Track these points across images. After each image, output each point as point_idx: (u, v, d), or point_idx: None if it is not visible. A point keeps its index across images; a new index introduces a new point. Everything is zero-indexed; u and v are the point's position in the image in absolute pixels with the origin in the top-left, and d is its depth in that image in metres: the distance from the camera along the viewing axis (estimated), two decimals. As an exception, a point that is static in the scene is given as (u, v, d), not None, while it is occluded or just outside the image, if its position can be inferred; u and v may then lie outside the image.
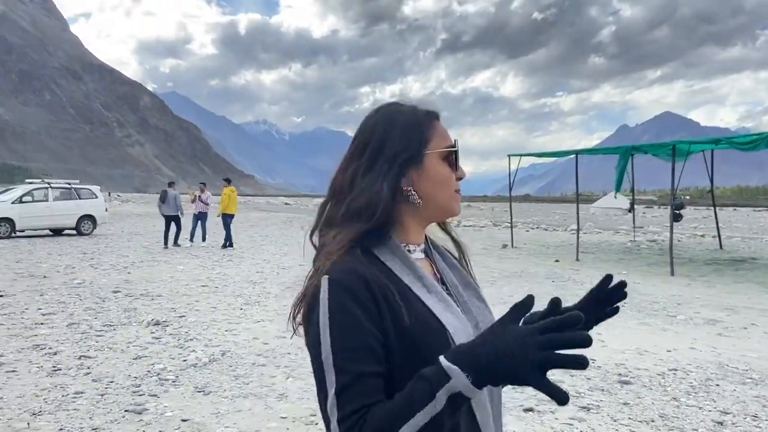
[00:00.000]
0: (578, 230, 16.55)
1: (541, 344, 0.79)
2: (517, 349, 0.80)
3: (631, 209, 17.39)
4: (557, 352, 0.79)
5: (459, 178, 1.11)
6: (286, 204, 70.46)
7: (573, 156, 16.39)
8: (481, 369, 0.81)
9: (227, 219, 16.15)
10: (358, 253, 1.00)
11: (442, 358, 0.83)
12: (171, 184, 17.31)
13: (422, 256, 1.11)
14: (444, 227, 1.22)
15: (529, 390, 4.68)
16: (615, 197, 16.42)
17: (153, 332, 6.53)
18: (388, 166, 1.04)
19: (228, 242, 16.00)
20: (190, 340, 6.25)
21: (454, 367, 0.81)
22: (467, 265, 1.21)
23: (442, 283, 1.09)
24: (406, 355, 0.91)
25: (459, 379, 0.81)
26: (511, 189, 17.58)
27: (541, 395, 4.23)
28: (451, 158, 1.11)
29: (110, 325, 6.79)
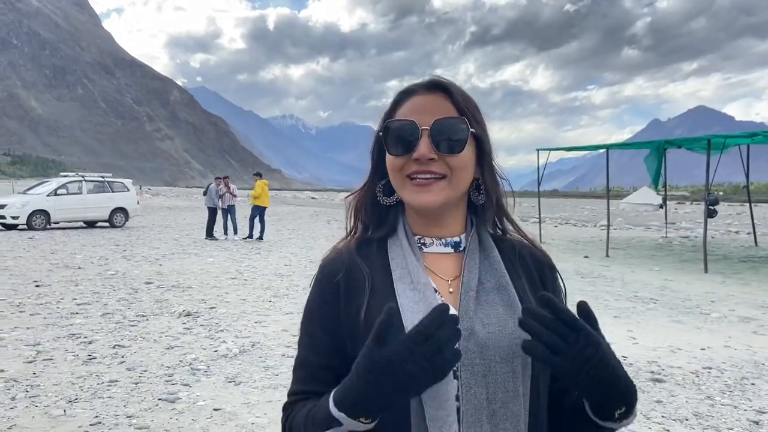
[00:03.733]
0: (608, 226, 16.30)
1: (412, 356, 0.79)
2: (381, 371, 0.79)
3: (663, 205, 17.05)
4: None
5: (416, 159, 0.95)
6: (313, 198, 70.86)
7: (603, 151, 16.13)
8: (352, 404, 0.83)
9: (260, 211, 16.42)
10: (355, 244, 1.05)
11: (330, 401, 0.85)
12: (216, 179, 17.71)
13: (446, 249, 1.02)
14: (500, 225, 1.07)
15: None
16: (657, 193, 16.08)
17: (184, 323, 6.64)
18: (371, 159, 1.07)
19: (261, 234, 16.31)
20: (221, 331, 6.34)
21: (339, 413, 0.84)
22: (535, 271, 1.05)
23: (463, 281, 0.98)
24: (357, 348, 0.88)
25: (343, 423, 0.84)
26: (539, 184, 17.39)
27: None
28: (390, 141, 0.98)
29: (143, 316, 6.92)
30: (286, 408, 1.00)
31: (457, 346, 0.84)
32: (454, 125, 0.96)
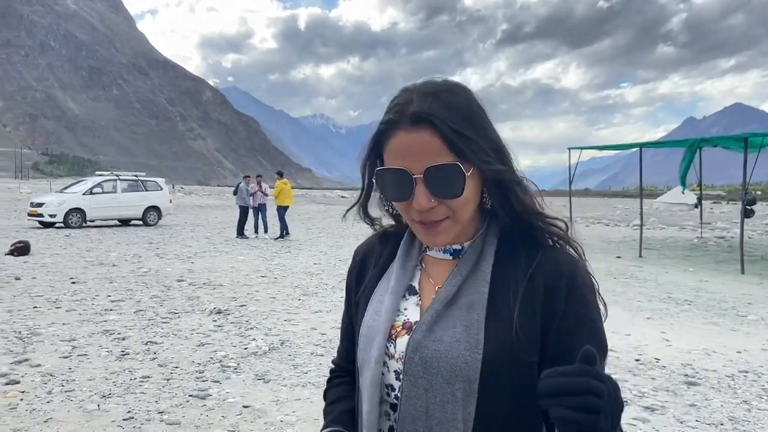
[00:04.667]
0: (641, 225, 15.99)
1: None
2: None
3: (698, 204, 16.65)
4: None
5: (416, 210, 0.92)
6: (342, 197, 71.13)
7: (635, 150, 15.83)
8: None
9: (281, 210, 16.61)
10: (385, 233, 1.13)
11: None
12: (245, 177, 17.94)
13: (444, 256, 1.01)
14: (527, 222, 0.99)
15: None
16: (683, 192, 15.74)
17: (215, 320, 6.74)
18: (363, 178, 1.07)
19: (284, 231, 16.45)
20: (251, 329, 6.41)
21: None
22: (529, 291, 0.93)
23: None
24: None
25: None
26: (571, 183, 17.16)
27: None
28: (387, 193, 0.96)
29: (175, 313, 7.04)
30: (329, 379, 1.18)
31: (402, 354, 0.92)
32: (447, 172, 0.89)
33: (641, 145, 15.67)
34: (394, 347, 0.95)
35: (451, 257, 1.00)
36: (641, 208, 15.91)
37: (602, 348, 0.94)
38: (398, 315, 0.98)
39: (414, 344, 0.91)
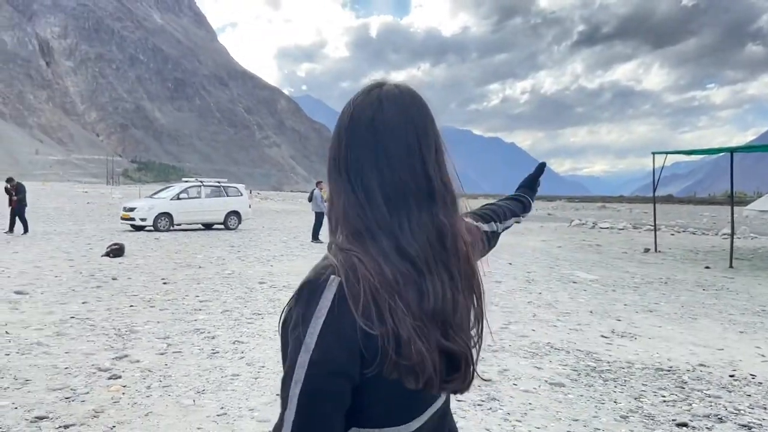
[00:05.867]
0: (732, 234, 15.15)
1: None
2: None
3: (796, 212, 15.60)
4: None
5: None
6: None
7: (720, 155, 15.02)
8: None
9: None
10: None
11: None
12: (318, 183, 18.36)
13: None
14: None
15: (682, 404, 4.41)
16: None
17: (297, 323, 6.91)
18: None
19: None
20: (331, 332, 6.53)
21: None
22: None
23: None
24: None
25: None
26: (654, 189, 16.50)
27: (696, 412, 3.91)
28: None
29: (258, 314, 7.29)
30: None
31: None
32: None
33: (732, 150, 14.87)
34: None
35: None
36: (732, 216, 15.08)
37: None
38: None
39: None
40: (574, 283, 10.58)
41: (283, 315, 0.94)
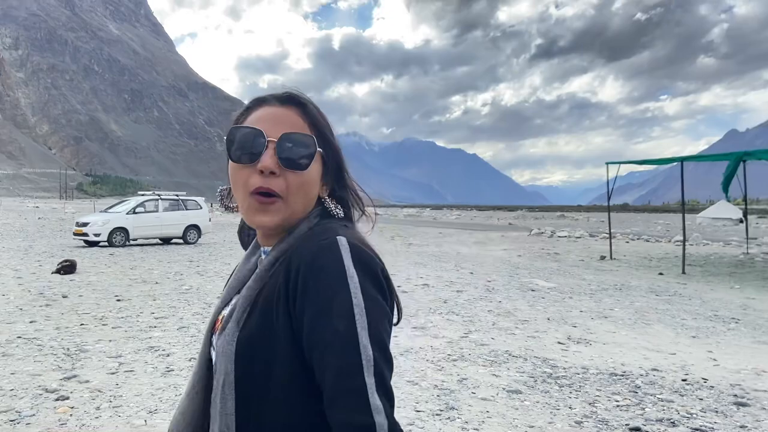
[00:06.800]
0: (684, 241, 15.63)
1: None
2: None
3: (743, 219, 16.21)
4: None
5: (260, 171, 0.92)
6: (376, 214, 71.24)
7: (676, 164, 15.52)
8: None
9: None
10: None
11: None
12: None
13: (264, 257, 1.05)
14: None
15: (636, 409, 4.50)
16: (727, 200, 15.38)
17: (255, 337, 6.82)
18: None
19: None
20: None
21: None
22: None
23: None
24: None
25: None
26: (609, 198, 16.91)
27: (649, 416, 4.00)
28: (235, 148, 0.94)
29: (216, 330, 7.15)
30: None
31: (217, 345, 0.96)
32: (301, 141, 0.93)
33: (683, 159, 15.38)
34: (215, 341, 1.00)
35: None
36: (684, 223, 15.56)
37: (348, 350, 0.80)
38: (225, 310, 1.04)
39: (217, 334, 0.99)
40: (533, 291, 10.74)
41: None
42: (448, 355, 6.04)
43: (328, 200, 1.01)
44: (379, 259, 0.92)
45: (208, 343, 1.05)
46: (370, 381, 0.79)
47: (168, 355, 5.93)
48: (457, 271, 13.69)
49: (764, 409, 4.59)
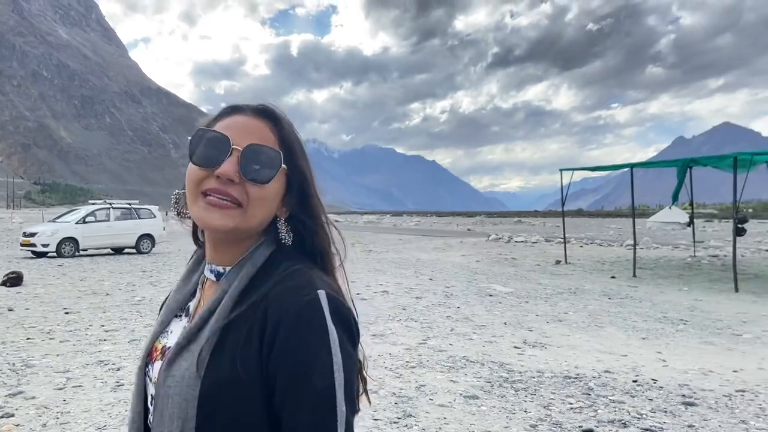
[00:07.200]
0: (635, 245, 16.10)
1: None
2: None
3: (691, 223, 16.79)
4: None
5: (217, 176, 0.89)
6: (336, 221, 71.08)
7: (625, 170, 15.99)
8: None
9: None
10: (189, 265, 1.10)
11: None
12: None
13: (211, 277, 0.98)
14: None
15: (588, 411, 4.59)
16: (670, 208, 15.91)
17: (210, 349, 6.69)
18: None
19: None
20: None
21: None
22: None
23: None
24: None
25: None
26: (563, 203, 17.28)
27: (601, 417, 4.09)
28: (199, 150, 0.91)
29: (169, 342, 6.99)
30: None
31: (155, 381, 0.91)
32: (267, 155, 0.91)
33: (632, 166, 15.85)
34: (152, 371, 0.95)
35: (215, 279, 0.97)
36: (634, 228, 16.01)
37: (321, 412, 0.81)
38: (164, 337, 0.98)
39: (160, 379, 0.90)
40: (491, 296, 10.87)
41: None
42: (407, 362, 6.05)
43: (281, 223, 0.97)
44: (352, 308, 0.92)
45: (143, 374, 0.98)
46: None
47: (118, 369, 5.76)
48: (416, 277, 13.75)
49: (711, 408, 4.75)
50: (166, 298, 1.07)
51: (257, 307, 0.87)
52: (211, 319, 0.89)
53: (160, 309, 1.05)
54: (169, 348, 0.93)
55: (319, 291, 0.86)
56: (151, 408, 0.95)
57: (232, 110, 0.96)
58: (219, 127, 0.93)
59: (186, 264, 1.10)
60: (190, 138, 0.93)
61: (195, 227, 1.08)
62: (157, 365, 0.93)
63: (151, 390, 0.94)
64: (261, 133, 0.93)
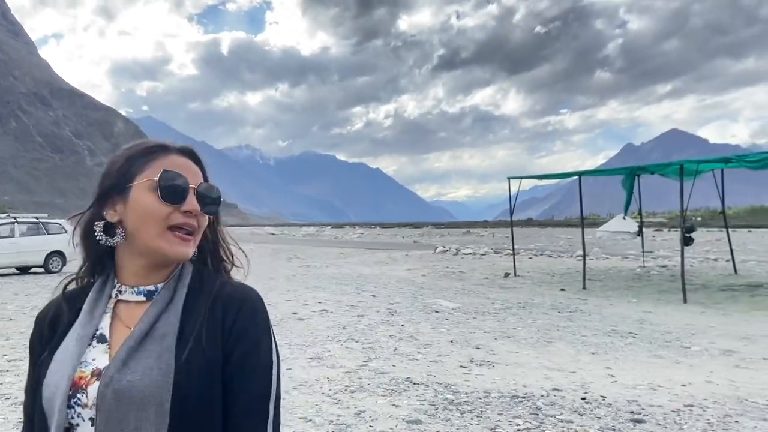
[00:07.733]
0: (584, 256, 16.61)
1: None
2: None
3: (640, 233, 17.47)
4: None
5: (186, 212, 1.11)
6: (272, 234, 70.25)
7: (574, 178, 16.53)
8: None
9: None
10: (70, 294, 1.22)
11: None
12: None
13: (138, 297, 1.15)
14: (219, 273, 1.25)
15: (549, 422, 4.68)
16: (624, 218, 16.56)
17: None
18: (93, 200, 1.17)
19: None
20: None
21: None
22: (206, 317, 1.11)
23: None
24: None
25: None
26: (512, 213, 17.66)
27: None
28: (167, 189, 1.11)
29: (82, 371, 6.72)
30: None
31: (95, 400, 1.01)
32: (216, 191, 1.18)
33: (580, 174, 16.40)
34: (86, 396, 1.04)
35: (145, 298, 1.14)
36: (583, 239, 16.53)
37: (264, 384, 1.09)
38: (85, 366, 1.07)
39: (107, 379, 1.02)
40: (437, 312, 10.98)
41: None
42: (346, 386, 6.02)
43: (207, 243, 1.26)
44: None
45: (65, 408, 1.04)
46: (271, 412, 1.09)
47: (21, 404, 5.49)
48: (358, 294, 13.74)
49: (659, 424, 4.94)
50: (37, 335, 1.21)
51: (214, 304, 1.12)
52: (161, 319, 1.08)
53: (34, 347, 1.20)
54: (104, 368, 1.05)
55: (251, 290, 1.19)
56: (88, 429, 1.04)
57: (163, 149, 1.16)
58: (168, 166, 1.13)
59: (87, 299, 1.18)
60: (158, 178, 1.10)
61: (101, 255, 1.20)
62: (92, 387, 1.03)
63: (90, 414, 1.03)
64: (197, 172, 1.18)
